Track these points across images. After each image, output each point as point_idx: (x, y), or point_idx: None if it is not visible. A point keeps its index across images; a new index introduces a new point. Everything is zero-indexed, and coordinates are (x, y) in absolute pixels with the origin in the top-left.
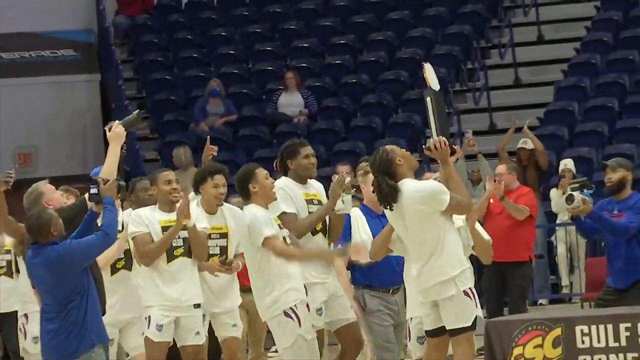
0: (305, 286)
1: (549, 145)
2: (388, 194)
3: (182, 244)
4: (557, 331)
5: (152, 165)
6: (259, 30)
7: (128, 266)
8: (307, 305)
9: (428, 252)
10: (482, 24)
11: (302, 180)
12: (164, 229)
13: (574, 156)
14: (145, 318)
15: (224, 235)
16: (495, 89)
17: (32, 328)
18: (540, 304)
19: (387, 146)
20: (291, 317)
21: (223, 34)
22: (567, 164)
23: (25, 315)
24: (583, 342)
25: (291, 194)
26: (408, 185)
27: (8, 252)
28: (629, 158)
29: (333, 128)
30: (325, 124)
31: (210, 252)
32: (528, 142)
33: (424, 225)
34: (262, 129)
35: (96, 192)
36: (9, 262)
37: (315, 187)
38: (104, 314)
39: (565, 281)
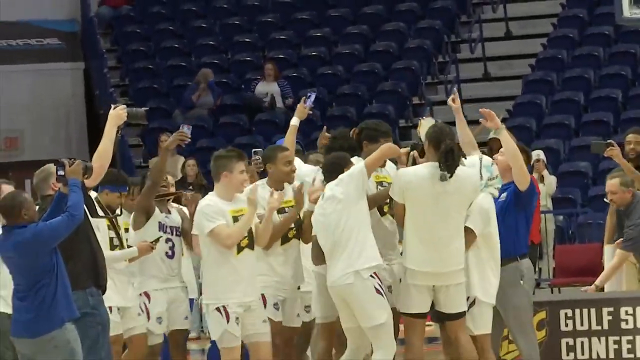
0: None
1: (518, 137)
2: (457, 163)
3: (293, 226)
4: (542, 314)
5: (135, 150)
6: (237, 22)
7: (251, 245)
8: None
9: (453, 236)
10: (452, 19)
11: None
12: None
13: (542, 147)
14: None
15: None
16: (465, 82)
17: (154, 308)
18: None
19: None
20: None
21: (203, 25)
22: (539, 154)
23: (146, 294)
24: (567, 325)
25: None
26: (470, 169)
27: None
28: None
29: (310, 117)
30: None
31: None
32: None
33: (463, 212)
34: (242, 117)
35: (62, 174)
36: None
37: (387, 170)
38: (104, 292)
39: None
